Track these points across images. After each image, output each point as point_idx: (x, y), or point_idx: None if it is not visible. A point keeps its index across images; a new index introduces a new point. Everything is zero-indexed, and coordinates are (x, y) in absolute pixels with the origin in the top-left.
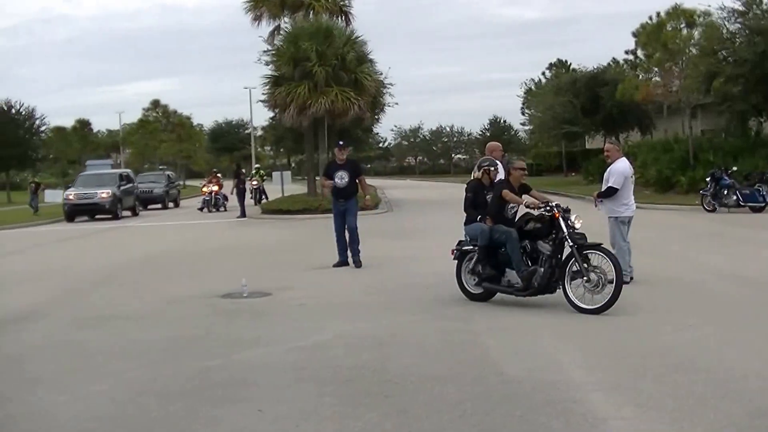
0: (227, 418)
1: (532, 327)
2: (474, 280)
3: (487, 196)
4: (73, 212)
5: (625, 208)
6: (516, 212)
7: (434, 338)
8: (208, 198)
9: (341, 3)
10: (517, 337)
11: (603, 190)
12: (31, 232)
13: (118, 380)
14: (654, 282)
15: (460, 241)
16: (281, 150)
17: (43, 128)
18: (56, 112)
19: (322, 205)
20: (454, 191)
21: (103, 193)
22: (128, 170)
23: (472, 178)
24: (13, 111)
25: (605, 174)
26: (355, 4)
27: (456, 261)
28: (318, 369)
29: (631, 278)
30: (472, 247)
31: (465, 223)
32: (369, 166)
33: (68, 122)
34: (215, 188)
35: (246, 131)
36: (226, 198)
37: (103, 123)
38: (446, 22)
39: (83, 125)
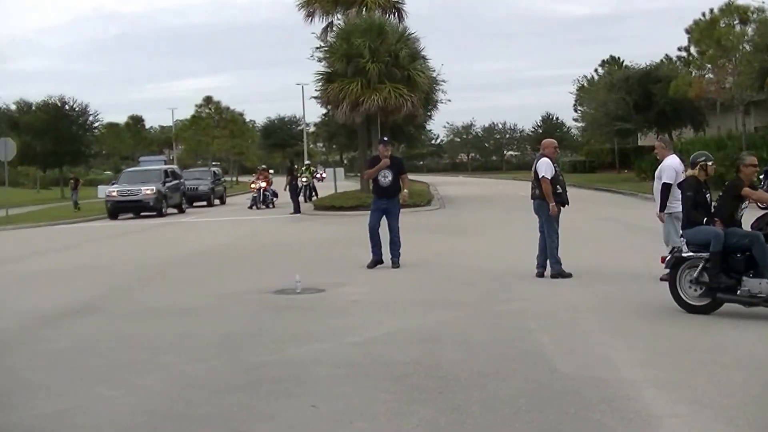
0: (281, 413)
1: (584, 324)
2: (698, 290)
3: (707, 195)
4: (116, 209)
5: (678, 203)
6: (743, 214)
7: (487, 335)
8: (256, 195)
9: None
10: (570, 334)
11: (660, 199)
12: (80, 228)
13: (171, 374)
14: None
15: (674, 247)
16: (333, 146)
17: (96, 124)
18: (109, 108)
19: None
20: (506, 188)
21: (147, 190)
22: (174, 166)
23: (687, 175)
24: (67, 107)
25: (656, 171)
26: (408, 0)
27: (669, 269)
28: (372, 365)
29: None
30: (693, 254)
31: (683, 227)
32: (421, 162)
33: (121, 118)
34: (263, 184)
35: (298, 127)
36: (275, 194)
37: (155, 119)
38: (498, 18)
39: (136, 121)
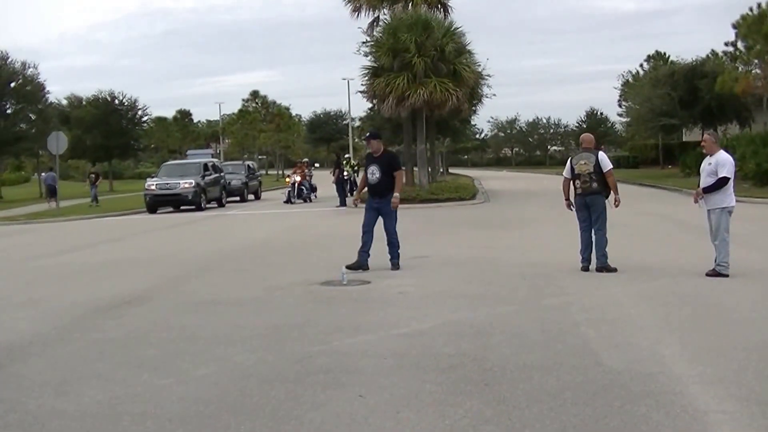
0: (329, 403)
1: (632, 319)
2: None
3: None
4: (155, 203)
5: (731, 198)
6: None
7: (533, 328)
8: (290, 189)
9: None
10: (617, 329)
11: (710, 184)
12: (127, 220)
13: (221, 365)
14: (754, 275)
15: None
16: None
17: (144, 118)
18: (157, 102)
19: (419, 195)
20: (550, 183)
21: (186, 184)
22: (214, 160)
23: None
24: (116, 102)
25: (708, 166)
26: None
27: None
28: (418, 357)
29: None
30: None
31: None
32: (466, 156)
33: (169, 113)
34: (297, 179)
35: (344, 122)
36: (314, 188)
37: (203, 113)
38: (544, 14)
39: (183, 115)
